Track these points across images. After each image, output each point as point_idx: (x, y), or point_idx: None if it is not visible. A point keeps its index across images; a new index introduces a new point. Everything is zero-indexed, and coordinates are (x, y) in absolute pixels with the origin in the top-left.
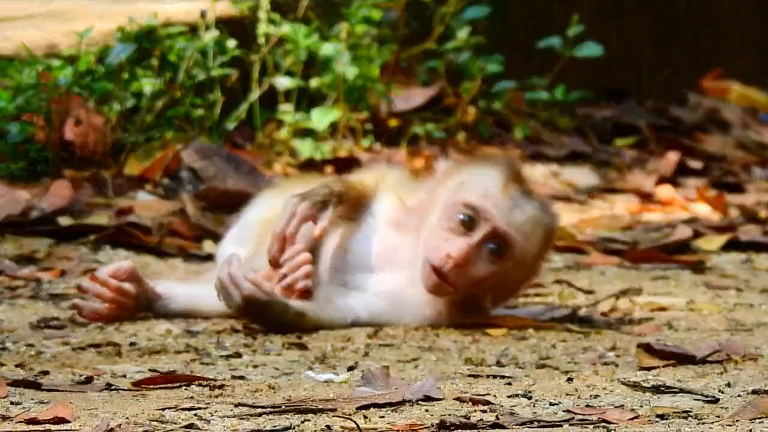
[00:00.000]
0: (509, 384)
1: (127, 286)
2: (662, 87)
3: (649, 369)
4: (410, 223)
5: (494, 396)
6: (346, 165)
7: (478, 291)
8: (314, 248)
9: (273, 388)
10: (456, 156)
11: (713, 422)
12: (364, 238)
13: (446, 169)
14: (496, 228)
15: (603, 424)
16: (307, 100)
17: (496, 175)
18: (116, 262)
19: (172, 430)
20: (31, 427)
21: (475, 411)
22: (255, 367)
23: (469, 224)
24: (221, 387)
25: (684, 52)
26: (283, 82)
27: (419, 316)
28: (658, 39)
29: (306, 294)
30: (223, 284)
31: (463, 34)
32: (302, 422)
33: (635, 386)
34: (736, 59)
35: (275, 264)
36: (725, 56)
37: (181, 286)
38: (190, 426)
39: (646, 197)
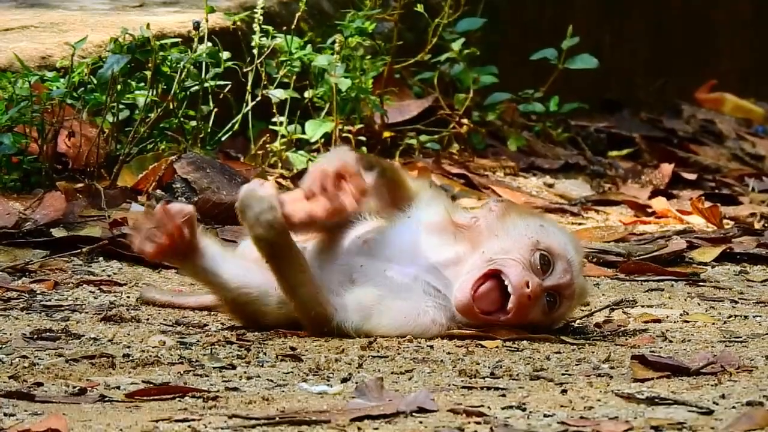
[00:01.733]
0: (503, 396)
1: (186, 230)
2: (657, 98)
3: (643, 381)
4: (454, 234)
5: (488, 408)
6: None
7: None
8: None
9: (267, 400)
10: (508, 202)
11: None
12: (394, 233)
13: (505, 208)
14: (571, 283)
15: None
16: (300, 111)
17: (570, 237)
18: (108, 270)
19: None
20: None
21: (469, 423)
22: (249, 378)
23: (545, 267)
24: (215, 399)
25: (679, 64)
26: (276, 94)
27: (411, 324)
28: (652, 50)
29: (344, 210)
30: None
31: (456, 45)
32: None
33: (629, 398)
34: (732, 71)
35: (310, 195)
36: (721, 68)
37: (219, 246)
38: None
39: (641, 209)
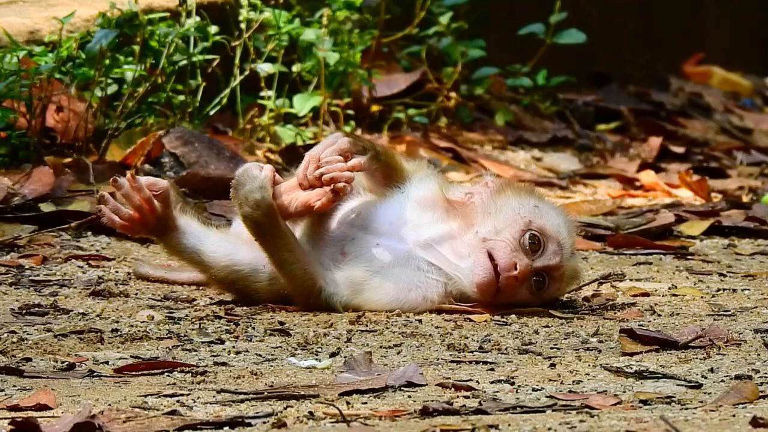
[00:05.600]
0: (492, 370)
1: (156, 203)
2: (644, 72)
3: (631, 354)
4: (446, 210)
5: (477, 382)
6: None
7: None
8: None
9: (255, 375)
10: (504, 178)
11: (696, 407)
12: (385, 207)
13: (500, 185)
14: (560, 265)
15: (586, 409)
16: (288, 85)
17: (565, 217)
18: (96, 244)
19: (155, 416)
20: (14, 414)
21: (458, 397)
22: (237, 353)
23: (534, 247)
24: (203, 373)
25: (667, 38)
26: (264, 68)
27: (402, 299)
28: (640, 24)
29: (338, 195)
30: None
31: (444, 19)
32: (285, 408)
33: (618, 372)
34: (719, 46)
35: (305, 184)
36: (708, 43)
37: (199, 225)
38: (173, 412)
39: (629, 182)
